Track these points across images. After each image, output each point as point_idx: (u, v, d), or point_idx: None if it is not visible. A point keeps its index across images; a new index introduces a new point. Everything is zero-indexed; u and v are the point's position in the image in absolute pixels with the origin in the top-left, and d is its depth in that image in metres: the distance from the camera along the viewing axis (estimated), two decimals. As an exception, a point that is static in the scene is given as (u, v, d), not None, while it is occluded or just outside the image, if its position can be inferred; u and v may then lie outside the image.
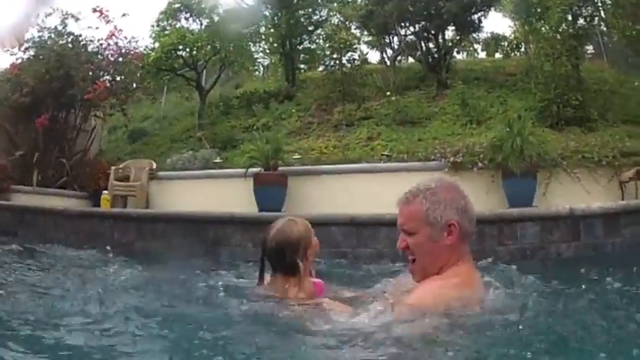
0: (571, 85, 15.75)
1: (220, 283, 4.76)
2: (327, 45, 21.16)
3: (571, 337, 3.34)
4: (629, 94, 17.97)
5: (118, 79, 18.19)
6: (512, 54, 23.87)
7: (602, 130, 14.43)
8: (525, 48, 22.84)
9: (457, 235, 3.70)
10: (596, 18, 18.76)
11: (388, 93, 18.53)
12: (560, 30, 16.32)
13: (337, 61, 19.13)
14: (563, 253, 9.56)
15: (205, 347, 3.22)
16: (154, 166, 16.07)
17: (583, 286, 4.63)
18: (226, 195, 14.06)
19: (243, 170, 13.81)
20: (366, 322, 3.56)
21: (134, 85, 18.94)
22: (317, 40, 23.79)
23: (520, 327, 3.38)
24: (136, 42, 18.68)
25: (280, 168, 13.63)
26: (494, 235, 9.61)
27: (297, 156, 15.10)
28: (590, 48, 23.51)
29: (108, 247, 8.89)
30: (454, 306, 3.50)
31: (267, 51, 25.90)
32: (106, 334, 3.53)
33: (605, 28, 21.61)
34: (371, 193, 12.53)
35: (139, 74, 18.72)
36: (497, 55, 25.69)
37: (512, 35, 25.69)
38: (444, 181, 4.03)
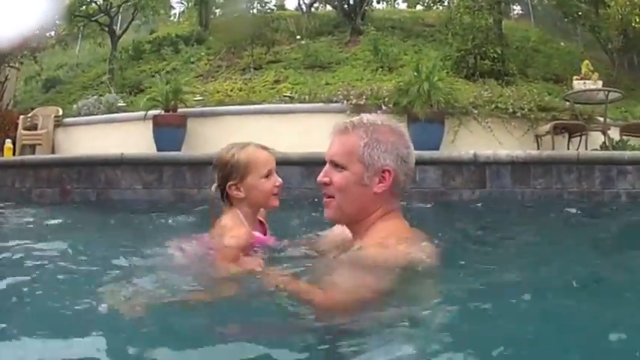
0: (490, 39, 15.79)
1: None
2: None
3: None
4: (553, 54, 18.39)
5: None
6: (435, 7, 23.36)
7: (520, 85, 14.27)
8: (448, 2, 22.42)
9: (389, 184, 3.18)
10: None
11: (298, 37, 18.43)
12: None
13: (251, 5, 18.68)
14: (466, 199, 8.91)
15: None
16: (60, 112, 15.36)
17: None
18: (129, 139, 13.35)
19: (144, 113, 13.22)
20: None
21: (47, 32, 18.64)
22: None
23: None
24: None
25: (180, 110, 13.14)
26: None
27: (198, 97, 14.78)
28: (517, 8, 23.62)
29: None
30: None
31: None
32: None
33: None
34: (271, 134, 11.77)
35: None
36: (419, 7, 25.37)
37: (436, -12, 25.23)
38: (392, 122, 3.45)
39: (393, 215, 3.27)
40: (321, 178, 3.27)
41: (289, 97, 14.15)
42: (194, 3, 24.20)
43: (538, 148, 11.66)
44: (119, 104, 15.51)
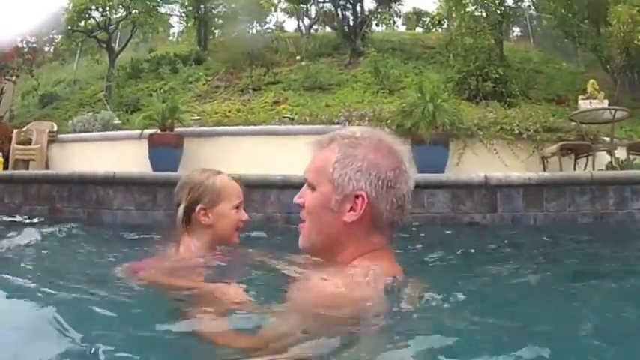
0: (492, 59, 15.68)
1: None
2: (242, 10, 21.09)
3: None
4: (554, 74, 18.45)
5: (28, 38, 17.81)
6: (434, 29, 23.43)
7: (523, 107, 14.04)
8: (448, 24, 22.42)
9: (362, 214, 2.52)
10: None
11: (298, 57, 18.39)
12: (486, 6, 15.99)
13: (251, 26, 18.77)
14: (477, 224, 8.62)
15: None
16: (55, 128, 15.20)
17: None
18: (124, 157, 13.16)
19: (140, 132, 12.95)
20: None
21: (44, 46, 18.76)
22: (233, 5, 23.29)
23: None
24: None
25: (177, 129, 12.89)
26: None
27: (196, 117, 14.57)
28: (517, 30, 23.67)
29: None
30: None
31: (183, 15, 25.60)
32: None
33: (534, 12, 21.89)
34: (269, 156, 11.96)
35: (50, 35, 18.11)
36: (419, 30, 25.46)
37: (435, 11, 25.39)
38: (378, 134, 2.73)
39: (376, 257, 2.59)
40: (295, 198, 2.77)
41: (289, 118, 13.93)
42: (193, 23, 24.33)
43: (544, 170, 11.46)
44: (115, 122, 15.37)
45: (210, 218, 3.48)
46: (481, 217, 8.65)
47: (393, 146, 2.62)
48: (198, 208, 3.46)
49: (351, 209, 2.52)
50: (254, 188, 8.91)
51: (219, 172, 3.62)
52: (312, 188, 2.63)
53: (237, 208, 3.56)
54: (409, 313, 2.44)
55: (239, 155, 12.15)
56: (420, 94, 11.60)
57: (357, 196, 2.50)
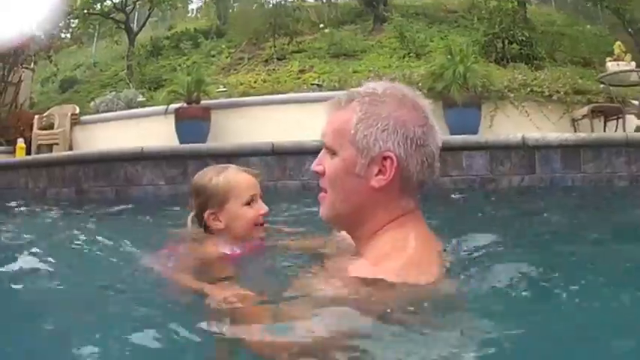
0: (517, 22, 15.44)
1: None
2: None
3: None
4: (579, 37, 18.06)
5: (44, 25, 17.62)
6: (455, -7, 23.22)
7: (550, 70, 13.77)
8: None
9: (391, 176, 2.30)
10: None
11: (322, 25, 18.43)
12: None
13: None
14: (516, 186, 8.55)
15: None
16: (77, 110, 15.13)
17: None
18: (149, 134, 13.03)
19: (165, 107, 12.89)
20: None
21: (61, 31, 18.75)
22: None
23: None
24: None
25: (203, 102, 12.78)
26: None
27: (222, 89, 14.47)
28: None
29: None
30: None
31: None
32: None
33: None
34: (299, 123, 11.51)
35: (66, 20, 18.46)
36: (440, -6, 25.34)
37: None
38: (400, 88, 2.48)
39: (406, 221, 2.39)
40: (312, 165, 2.52)
41: (318, 85, 13.84)
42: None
43: (575, 132, 11.28)
44: (139, 99, 15.29)
45: (222, 221, 3.23)
46: (519, 178, 8.58)
47: (418, 101, 2.42)
48: (207, 214, 3.24)
49: (379, 172, 2.31)
50: (288, 155, 8.94)
51: (226, 167, 3.34)
52: (332, 153, 2.41)
53: (250, 203, 3.24)
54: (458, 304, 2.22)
55: (268, 125, 12.12)
56: (449, 57, 11.53)
57: (384, 158, 2.29)
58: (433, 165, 2.35)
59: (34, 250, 3.27)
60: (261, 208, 3.23)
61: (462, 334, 1.91)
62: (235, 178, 3.25)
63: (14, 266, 3.01)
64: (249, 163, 8.39)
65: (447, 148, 8.25)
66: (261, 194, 3.28)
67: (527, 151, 8.58)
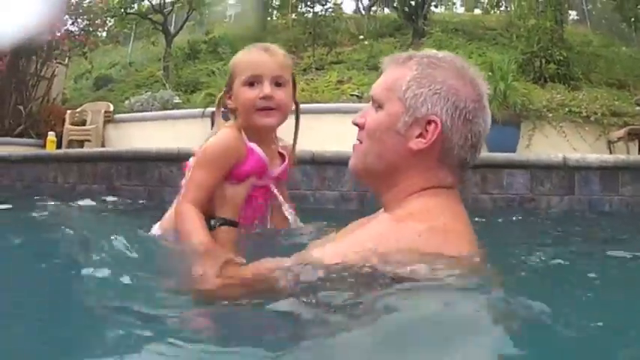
0: (555, 41, 15.37)
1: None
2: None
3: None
4: (614, 58, 17.92)
5: (80, 21, 17.91)
6: (492, 11, 23.21)
7: (586, 91, 13.76)
8: (505, 6, 22.23)
9: (431, 142, 2.26)
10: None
11: (361, 37, 18.48)
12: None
13: (310, 7, 18.73)
14: (554, 207, 8.59)
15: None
16: (111, 108, 15.34)
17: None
18: (183, 136, 12.93)
19: (201, 110, 12.99)
20: None
21: (97, 29, 18.77)
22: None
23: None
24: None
25: None
26: (477, 182, 8.58)
27: None
28: (573, 13, 23.48)
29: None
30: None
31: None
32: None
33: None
34: (338, 134, 11.51)
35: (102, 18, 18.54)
36: (477, 11, 25.36)
37: (494, -7, 25.18)
38: (462, 61, 2.45)
39: (441, 193, 2.32)
40: (356, 117, 2.48)
41: (357, 96, 13.85)
42: (251, 5, 24.30)
43: (611, 154, 11.30)
44: (175, 100, 15.38)
45: (232, 100, 3.07)
46: (558, 199, 8.58)
47: (476, 78, 2.39)
48: (222, 92, 3.17)
49: (420, 135, 2.27)
50: (328, 165, 8.91)
51: (252, 46, 3.15)
52: (379, 106, 2.37)
53: (252, 83, 2.99)
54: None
55: (305, 133, 12.11)
56: (490, 73, 11.48)
57: (429, 122, 2.26)
58: (477, 146, 2.34)
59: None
60: (263, 90, 2.97)
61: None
62: (243, 56, 3.11)
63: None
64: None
65: (489, 165, 8.38)
66: (280, 78, 3.03)
67: (567, 171, 8.61)
